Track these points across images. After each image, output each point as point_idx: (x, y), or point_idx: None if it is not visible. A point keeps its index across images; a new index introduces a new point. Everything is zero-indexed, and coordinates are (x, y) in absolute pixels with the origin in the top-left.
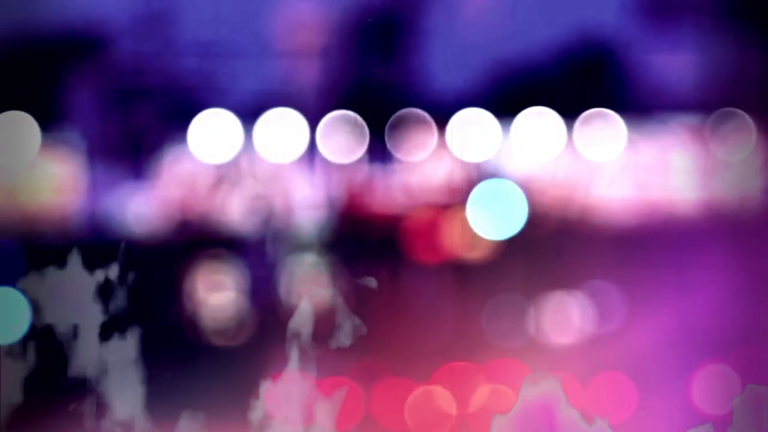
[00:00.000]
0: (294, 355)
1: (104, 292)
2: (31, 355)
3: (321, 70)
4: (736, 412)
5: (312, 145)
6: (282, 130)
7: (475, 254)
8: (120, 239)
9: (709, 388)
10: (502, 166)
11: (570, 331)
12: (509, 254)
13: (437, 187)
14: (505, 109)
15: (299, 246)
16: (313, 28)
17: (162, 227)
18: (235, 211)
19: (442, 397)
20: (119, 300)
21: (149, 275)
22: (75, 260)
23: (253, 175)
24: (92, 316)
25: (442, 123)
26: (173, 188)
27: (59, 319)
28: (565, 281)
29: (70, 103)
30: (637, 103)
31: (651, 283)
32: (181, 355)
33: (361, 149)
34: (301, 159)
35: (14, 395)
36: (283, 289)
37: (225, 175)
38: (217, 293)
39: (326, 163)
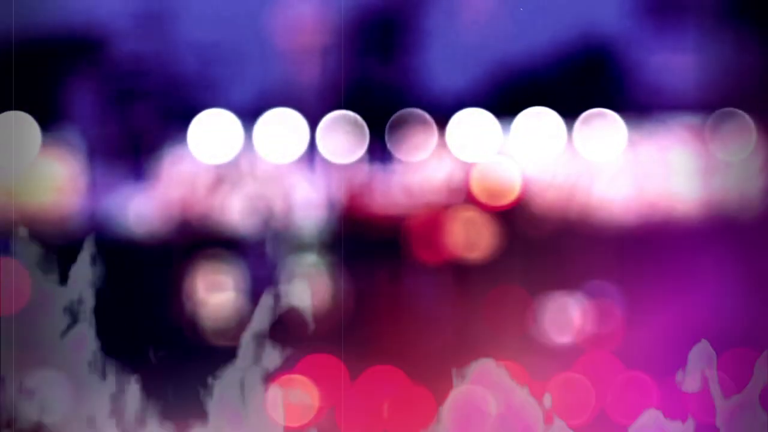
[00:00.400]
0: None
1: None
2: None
3: (321, 70)
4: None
5: (312, 145)
6: (282, 130)
7: (476, 254)
8: (89, 233)
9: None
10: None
11: (570, 331)
12: (509, 254)
13: (437, 187)
14: (505, 109)
15: (299, 246)
16: (313, 28)
17: (162, 227)
18: (235, 211)
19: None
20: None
21: (149, 275)
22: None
23: (253, 175)
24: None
25: (442, 123)
26: (173, 188)
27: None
28: (565, 281)
29: (70, 103)
30: (637, 103)
31: (651, 283)
32: (180, 355)
33: (361, 149)
34: (301, 159)
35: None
36: (283, 289)
37: (225, 175)
38: (217, 293)
39: (326, 163)
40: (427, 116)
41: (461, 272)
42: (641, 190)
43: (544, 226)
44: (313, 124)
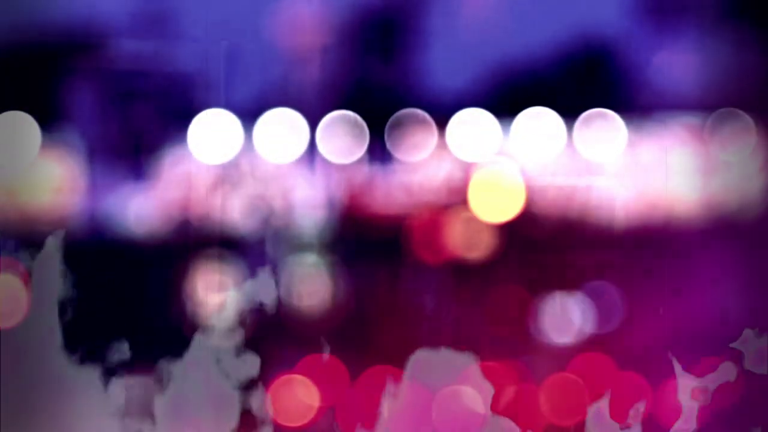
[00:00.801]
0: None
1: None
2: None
3: (321, 70)
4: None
5: (312, 145)
6: (282, 130)
7: (476, 254)
8: (56, 231)
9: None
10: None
11: (570, 331)
12: (509, 254)
13: (437, 187)
14: (505, 109)
15: (299, 246)
16: (313, 28)
17: (162, 227)
18: (235, 211)
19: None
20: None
21: (149, 275)
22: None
23: (253, 175)
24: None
25: (442, 123)
26: (173, 188)
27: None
28: (565, 281)
29: (70, 103)
30: (637, 103)
31: (650, 283)
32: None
33: (361, 149)
34: (301, 159)
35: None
36: (283, 289)
37: (225, 175)
38: (217, 293)
39: (326, 163)
40: (427, 116)
41: (461, 272)
42: (641, 190)
43: (544, 226)
44: (313, 124)
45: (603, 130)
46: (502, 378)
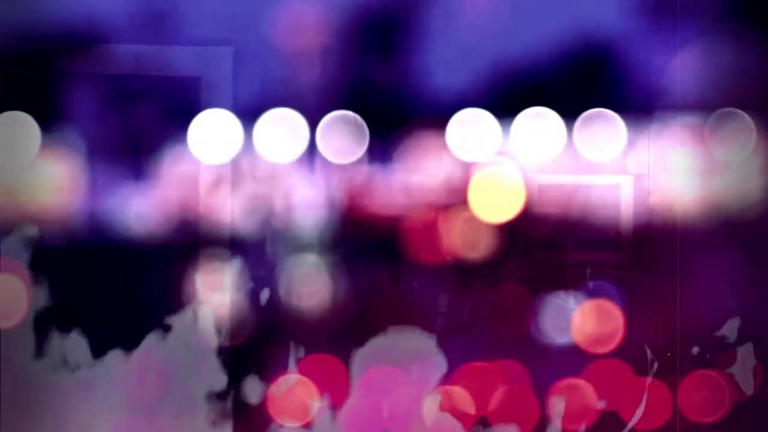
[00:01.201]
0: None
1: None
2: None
3: (321, 70)
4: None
5: (312, 145)
6: (282, 130)
7: (476, 254)
8: (30, 228)
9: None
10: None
11: (570, 332)
12: (509, 254)
13: (437, 187)
14: (505, 109)
15: (299, 246)
16: (313, 28)
17: (162, 227)
18: (235, 211)
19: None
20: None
21: (149, 275)
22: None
23: (253, 175)
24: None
25: (442, 123)
26: (173, 188)
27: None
28: (566, 281)
29: (70, 103)
30: (637, 103)
31: (650, 283)
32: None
33: (361, 149)
34: (301, 159)
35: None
36: (282, 289)
37: (225, 175)
38: (217, 293)
39: (326, 163)
40: (427, 116)
41: (461, 272)
42: (641, 190)
43: (544, 226)
44: (313, 124)
45: (603, 130)
46: (498, 378)
